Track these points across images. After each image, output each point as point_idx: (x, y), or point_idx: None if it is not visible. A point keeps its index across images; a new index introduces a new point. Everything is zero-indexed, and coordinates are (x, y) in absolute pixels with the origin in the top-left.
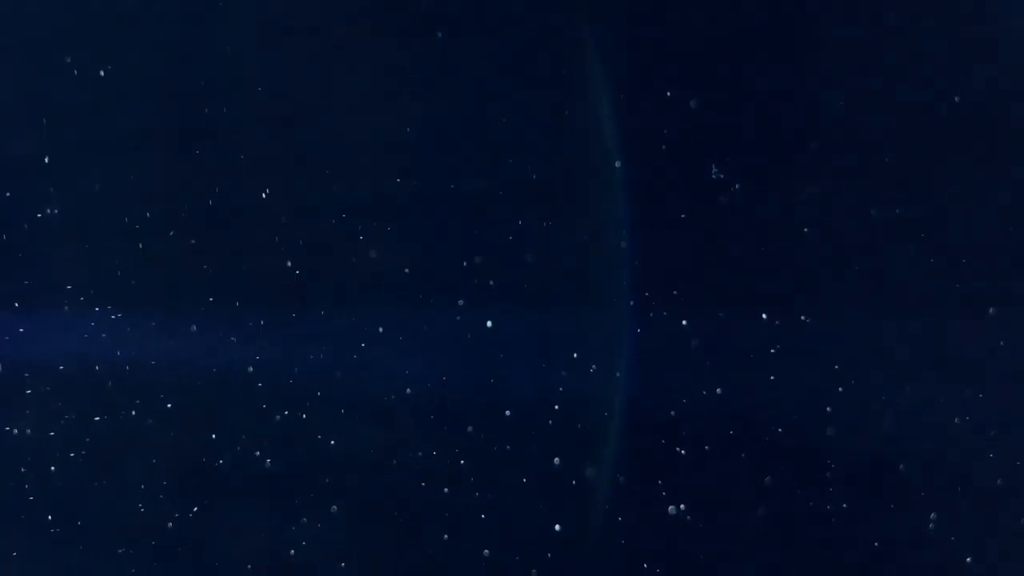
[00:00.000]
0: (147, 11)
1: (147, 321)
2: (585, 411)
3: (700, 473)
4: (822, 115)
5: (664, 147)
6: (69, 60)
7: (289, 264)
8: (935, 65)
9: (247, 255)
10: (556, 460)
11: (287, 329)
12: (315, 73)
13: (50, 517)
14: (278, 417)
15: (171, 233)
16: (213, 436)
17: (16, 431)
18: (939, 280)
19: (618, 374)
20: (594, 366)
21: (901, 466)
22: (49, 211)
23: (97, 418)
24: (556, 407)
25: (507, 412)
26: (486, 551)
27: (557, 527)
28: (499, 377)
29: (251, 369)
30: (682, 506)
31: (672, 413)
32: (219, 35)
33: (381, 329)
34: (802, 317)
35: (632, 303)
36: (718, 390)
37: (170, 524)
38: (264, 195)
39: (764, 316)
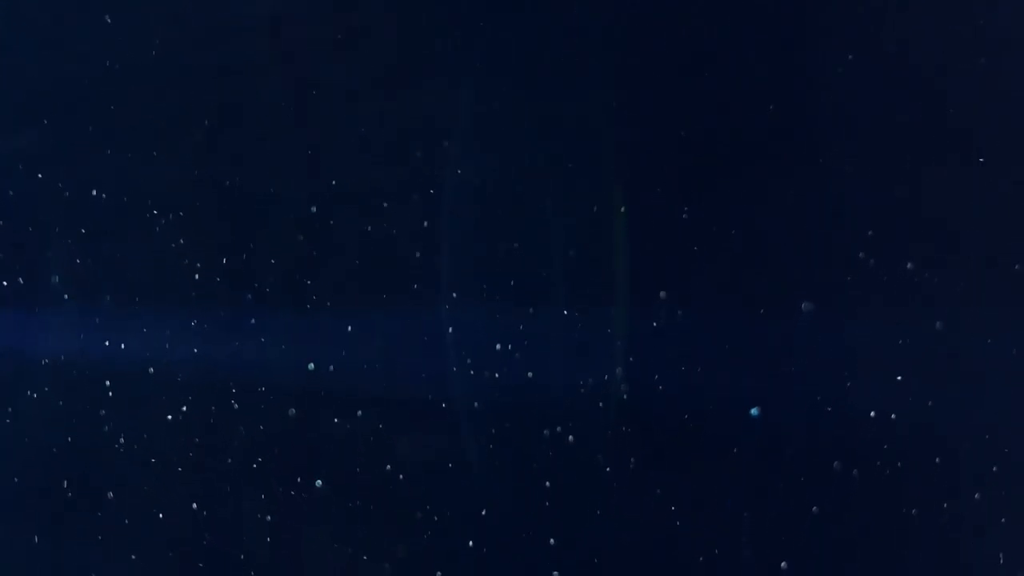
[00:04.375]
0: (147, 7)
1: (150, 319)
2: (585, 410)
3: (701, 472)
4: (823, 113)
5: (665, 144)
6: (69, 56)
7: (292, 262)
8: (935, 65)
9: (250, 253)
10: (556, 459)
11: (290, 328)
12: (315, 71)
13: (50, 517)
14: (281, 416)
15: (172, 230)
16: (215, 435)
17: (16, 430)
18: (941, 280)
19: (618, 373)
20: (593, 365)
21: (904, 466)
22: (49, 209)
23: (99, 416)
24: (555, 406)
25: (506, 412)
26: (484, 550)
27: (556, 527)
28: (497, 376)
29: (254, 368)
30: (683, 505)
31: (673, 412)
32: (220, 30)
33: (382, 327)
34: (804, 316)
35: (632, 302)
36: (719, 389)
37: (173, 524)
38: (266, 193)
39: (766, 315)
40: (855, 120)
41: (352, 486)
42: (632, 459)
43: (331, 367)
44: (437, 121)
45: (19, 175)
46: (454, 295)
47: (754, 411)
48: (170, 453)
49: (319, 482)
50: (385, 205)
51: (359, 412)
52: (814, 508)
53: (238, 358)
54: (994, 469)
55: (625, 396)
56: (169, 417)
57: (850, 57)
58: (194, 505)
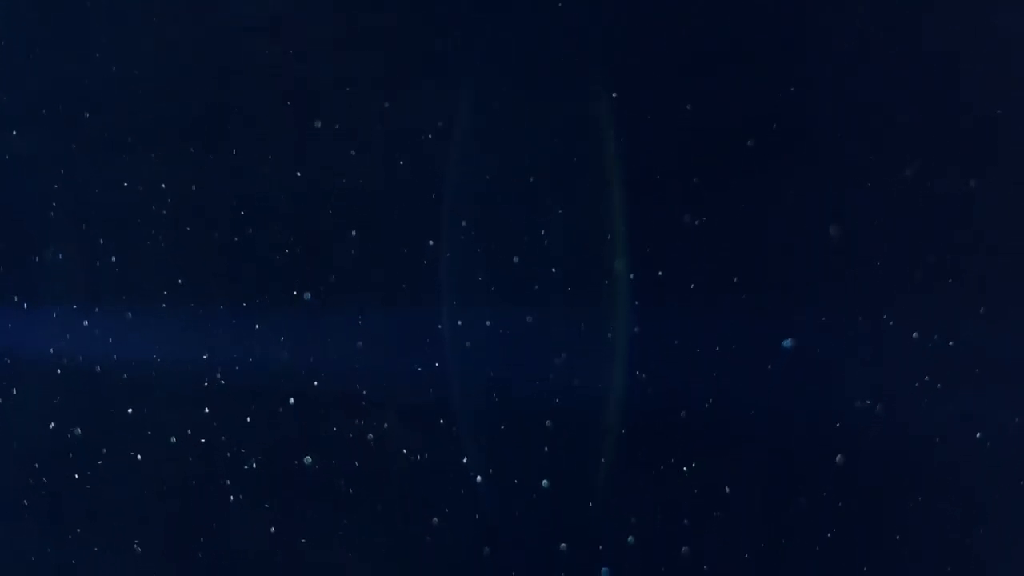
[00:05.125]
0: (147, 8)
1: (148, 319)
2: (585, 411)
3: (702, 473)
4: (825, 114)
5: (665, 145)
6: (69, 57)
7: (292, 263)
8: (935, 66)
9: (250, 254)
10: (555, 460)
11: (290, 328)
12: (313, 70)
13: (49, 517)
14: (279, 417)
15: (171, 231)
16: (213, 436)
17: (15, 431)
18: (942, 280)
19: (619, 374)
20: (594, 366)
21: (904, 467)
22: (47, 209)
23: (98, 417)
24: (555, 407)
25: (506, 413)
26: (484, 551)
27: (556, 528)
28: (496, 377)
29: (253, 368)
30: (683, 506)
31: (673, 413)
32: (218, 31)
33: (381, 329)
34: (805, 317)
35: (633, 303)
36: (720, 390)
37: (171, 525)
38: (265, 193)
39: (767, 316)
40: (854, 123)
41: (356, 486)
42: (635, 459)
43: (333, 367)
44: (438, 122)
45: (17, 176)
46: (456, 295)
47: (787, 342)
48: (172, 453)
49: (308, 458)
50: (385, 207)
51: (364, 412)
52: (816, 505)
53: (241, 358)
54: (997, 467)
55: (627, 396)
56: (170, 416)
57: (848, 61)
58: (194, 504)
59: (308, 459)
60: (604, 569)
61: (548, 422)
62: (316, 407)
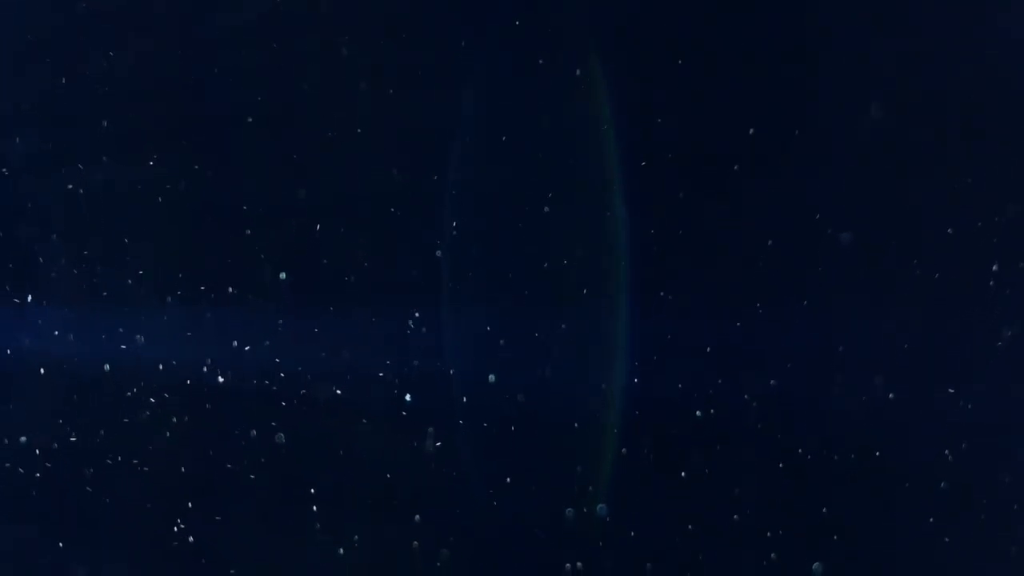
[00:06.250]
0: (146, 10)
1: (146, 320)
2: (584, 411)
3: (701, 473)
4: (824, 115)
5: (664, 146)
6: (66, 59)
7: (289, 264)
8: (934, 66)
9: (247, 256)
10: (554, 460)
11: (288, 330)
12: (312, 72)
13: (48, 518)
14: (278, 418)
15: (168, 233)
16: (212, 437)
17: (14, 432)
18: (940, 280)
19: (617, 374)
20: (593, 366)
21: (903, 467)
22: (45, 210)
23: (95, 418)
24: (555, 408)
25: (506, 413)
26: (483, 552)
27: (557, 528)
28: (496, 378)
29: (250, 370)
30: (682, 505)
31: (672, 413)
32: (217, 33)
33: (381, 330)
34: (803, 317)
35: (632, 303)
36: (719, 390)
37: (171, 527)
38: (262, 195)
39: (765, 316)
40: (857, 124)
41: (357, 487)
42: (637, 457)
43: (334, 368)
44: (441, 124)
45: (16, 178)
46: (457, 297)
47: (845, 236)
48: (171, 453)
49: (281, 436)
50: (385, 208)
51: (367, 411)
52: (817, 504)
53: (242, 360)
54: (996, 466)
55: (627, 396)
56: (168, 418)
57: (845, 65)
58: (190, 505)
59: (281, 436)
60: (601, 506)
61: (550, 422)
62: (316, 408)
